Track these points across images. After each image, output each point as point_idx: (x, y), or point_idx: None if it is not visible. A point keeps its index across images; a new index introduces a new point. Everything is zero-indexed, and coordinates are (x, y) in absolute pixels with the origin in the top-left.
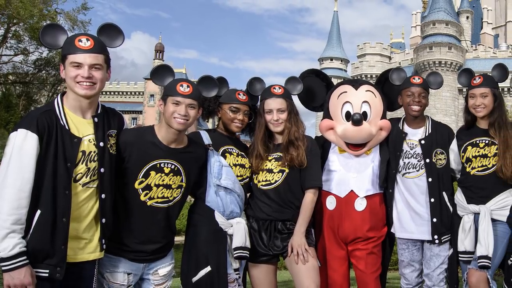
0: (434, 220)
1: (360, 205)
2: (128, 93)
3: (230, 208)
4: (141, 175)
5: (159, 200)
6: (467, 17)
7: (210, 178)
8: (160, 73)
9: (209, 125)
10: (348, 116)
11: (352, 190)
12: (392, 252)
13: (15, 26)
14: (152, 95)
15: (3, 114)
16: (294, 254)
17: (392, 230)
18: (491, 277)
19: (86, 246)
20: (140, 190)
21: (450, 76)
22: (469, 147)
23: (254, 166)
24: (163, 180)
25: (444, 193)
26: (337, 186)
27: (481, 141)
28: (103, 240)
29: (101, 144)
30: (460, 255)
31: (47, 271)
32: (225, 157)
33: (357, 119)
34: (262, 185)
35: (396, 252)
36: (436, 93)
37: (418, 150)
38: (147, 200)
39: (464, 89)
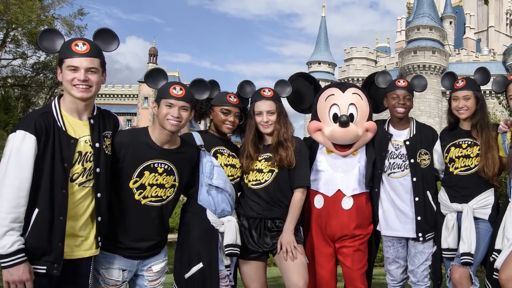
0: (419, 218)
1: (347, 204)
2: (123, 96)
3: (222, 206)
4: (136, 175)
5: (153, 199)
6: (450, 22)
7: (202, 177)
8: (154, 76)
9: (201, 126)
10: (336, 118)
11: (339, 190)
12: (378, 249)
13: (14, 31)
14: (146, 98)
15: (2, 116)
16: (283, 251)
17: (378, 228)
18: (474, 273)
19: (83, 244)
20: (134, 189)
21: (434, 79)
22: (452, 148)
23: (244, 166)
24: (156, 180)
25: (428, 192)
26: (325, 185)
27: (464, 142)
28: (99, 238)
29: (97, 145)
30: (443, 252)
31: (45, 267)
32: (216, 158)
33: (344, 121)
34: (252, 184)
35: (381, 249)
36: (421, 95)
37: (403, 150)
38: (141, 199)
39: (448, 92)
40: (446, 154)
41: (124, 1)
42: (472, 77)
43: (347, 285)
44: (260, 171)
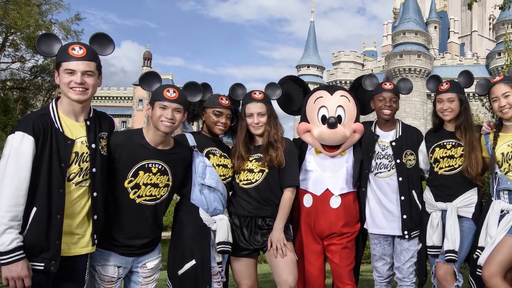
0: (404, 216)
1: (335, 202)
2: (118, 98)
3: (214, 205)
4: (130, 174)
5: (147, 198)
6: (435, 27)
7: (194, 177)
8: (148, 79)
9: (194, 128)
10: (324, 119)
11: (327, 189)
12: (365, 246)
13: (12, 36)
14: (140, 100)
15: (1, 118)
16: (274, 249)
17: (365, 226)
18: (458, 270)
19: (79, 241)
20: (129, 188)
21: (419, 82)
22: (437, 149)
23: (236, 166)
24: (151, 180)
25: (413, 191)
26: (314, 185)
27: (448, 143)
28: (95, 236)
29: (93, 145)
30: (428, 250)
31: (43, 264)
32: (209, 158)
33: (332, 123)
34: (243, 184)
35: (368, 247)
36: (406, 98)
37: (389, 151)
38: (136, 198)
39: (432, 94)
40: (431, 155)
41: (120, 7)
42: (456, 80)
43: (335, 282)
44: (251, 171)
